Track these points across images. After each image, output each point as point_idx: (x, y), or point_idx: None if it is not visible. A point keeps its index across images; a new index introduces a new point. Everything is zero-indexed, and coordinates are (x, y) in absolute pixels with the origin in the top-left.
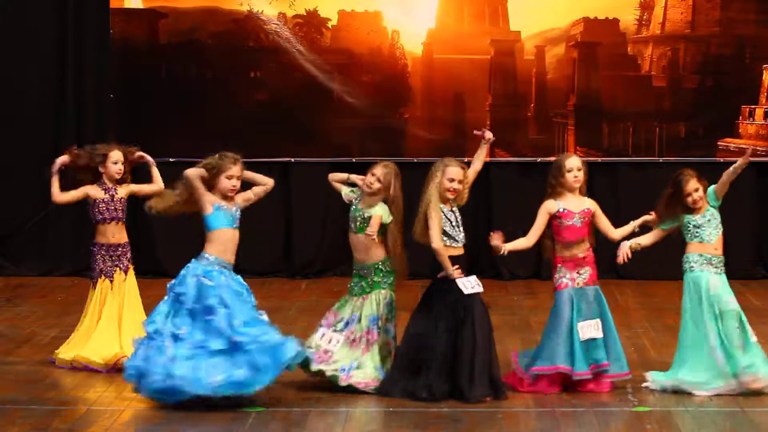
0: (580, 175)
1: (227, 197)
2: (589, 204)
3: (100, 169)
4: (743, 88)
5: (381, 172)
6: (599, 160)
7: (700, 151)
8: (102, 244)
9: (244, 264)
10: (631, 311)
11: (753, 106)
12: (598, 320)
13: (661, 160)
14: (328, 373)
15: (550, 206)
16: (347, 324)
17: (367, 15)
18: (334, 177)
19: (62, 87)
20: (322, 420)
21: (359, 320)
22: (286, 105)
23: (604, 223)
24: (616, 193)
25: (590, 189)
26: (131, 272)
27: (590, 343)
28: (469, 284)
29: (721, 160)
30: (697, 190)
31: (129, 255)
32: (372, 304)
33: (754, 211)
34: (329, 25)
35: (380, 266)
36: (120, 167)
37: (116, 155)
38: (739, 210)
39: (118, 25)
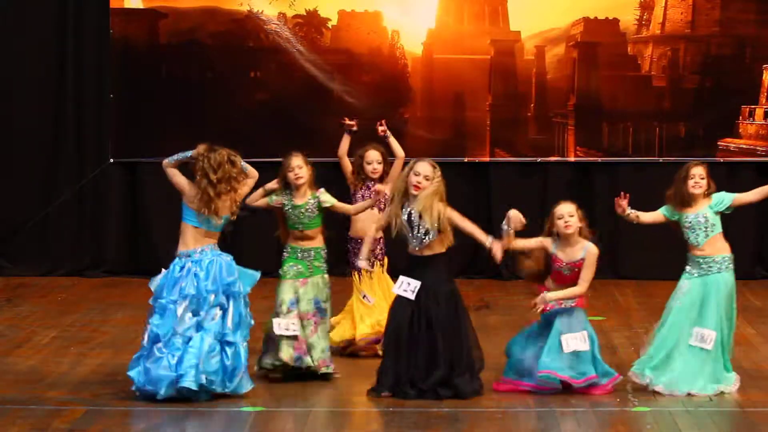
0: (572, 221)
1: None
2: (586, 253)
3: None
4: (743, 88)
5: None
6: (599, 160)
7: (700, 151)
8: (352, 237)
9: (245, 263)
10: (631, 311)
11: (753, 106)
12: (584, 332)
13: (661, 160)
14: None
15: (546, 243)
16: (290, 306)
17: (367, 15)
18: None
19: (62, 87)
20: (322, 420)
21: (298, 302)
22: (286, 105)
23: (584, 272)
24: (616, 193)
25: (590, 189)
26: (384, 264)
27: (577, 355)
28: (405, 285)
29: (721, 160)
30: (703, 177)
31: (382, 247)
32: (315, 287)
33: (754, 211)
34: (329, 25)
35: (321, 251)
36: (376, 167)
37: (371, 155)
38: (739, 210)
39: (118, 25)
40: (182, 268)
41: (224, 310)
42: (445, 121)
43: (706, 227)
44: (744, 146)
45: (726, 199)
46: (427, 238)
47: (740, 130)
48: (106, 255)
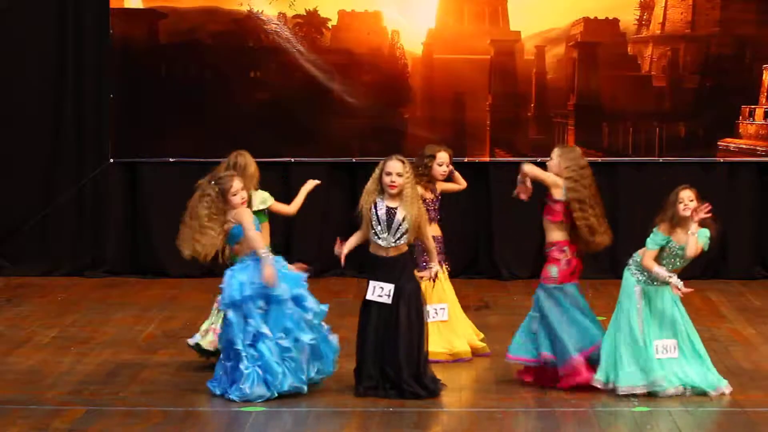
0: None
1: None
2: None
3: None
4: (743, 88)
5: None
6: (599, 160)
7: (700, 151)
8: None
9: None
10: None
11: (753, 106)
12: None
13: (661, 160)
14: None
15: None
16: None
17: (367, 15)
18: None
19: (62, 87)
20: (322, 420)
21: None
22: (286, 105)
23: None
24: (616, 193)
25: None
26: (445, 269)
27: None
28: (379, 290)
29: (721, 160)
30: (692, 200)
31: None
32: None
33: (754, 211)
34: (329, 25)
35: None
36: (445, 169)
37: (443, 156)
38: (739, 210)
39: (118, 25)
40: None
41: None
42: (445, 121)
43: (684, 261)
44: (744, 146)
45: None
46: (400, 240)
47: (740, 130)
48: (106, 255)
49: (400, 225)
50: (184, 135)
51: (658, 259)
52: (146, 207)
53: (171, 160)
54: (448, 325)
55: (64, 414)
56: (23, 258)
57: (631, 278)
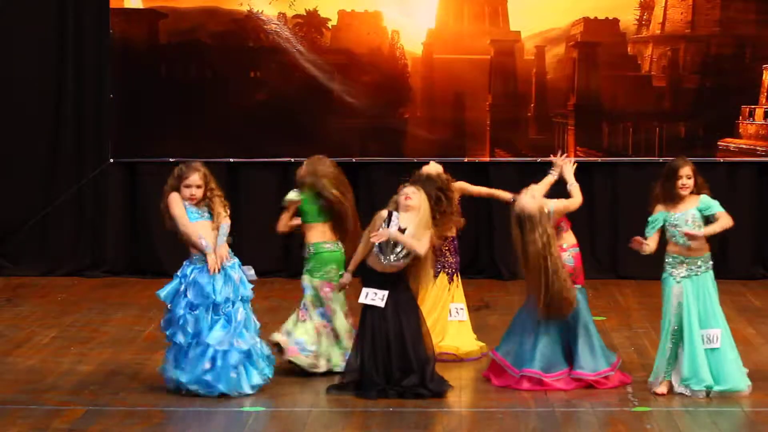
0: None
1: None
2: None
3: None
4: (743, 88)
5: None
6: (599, 160)
7: (700, 151)
8: (452, 237)
9: (245, 264)
10: (631, 311)
11: (753, 106)
12: None
13: (661, 160)
14: None
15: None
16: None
17: (367, 15)
18: None
19: (62, 87)
20: (322, 420)
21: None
22: (286, 105)
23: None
24: (616, 193)
25: (590, 189)
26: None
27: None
28: (372, 295)
29: (721, 160)
30: (690, 177)
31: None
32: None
33: (753, 211)
34: (329, 25)
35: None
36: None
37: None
38: (739, 210)
39: (118, 25)
40: None
41: None
42: (445, 121)
43: (692, 228)
44: (744, 146)
45: (713, 207)
46: (401, 262)
47: (740, 130)
48: (106, 255)
49: (402, 247)
50: (184, 135)
51: (668, 234)
52: (146, 207)
53: (171, 160)
54: (466, 325)
55: (64, 414)
56: (23, 258)
57: (667, 279)
